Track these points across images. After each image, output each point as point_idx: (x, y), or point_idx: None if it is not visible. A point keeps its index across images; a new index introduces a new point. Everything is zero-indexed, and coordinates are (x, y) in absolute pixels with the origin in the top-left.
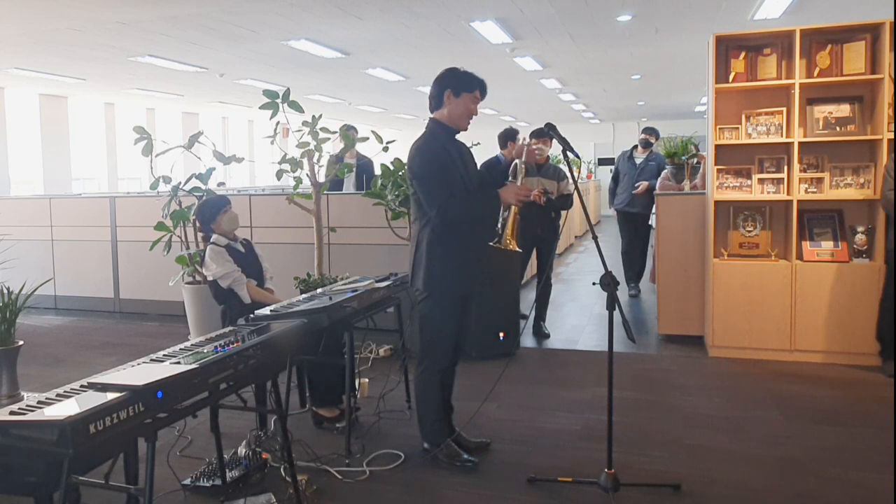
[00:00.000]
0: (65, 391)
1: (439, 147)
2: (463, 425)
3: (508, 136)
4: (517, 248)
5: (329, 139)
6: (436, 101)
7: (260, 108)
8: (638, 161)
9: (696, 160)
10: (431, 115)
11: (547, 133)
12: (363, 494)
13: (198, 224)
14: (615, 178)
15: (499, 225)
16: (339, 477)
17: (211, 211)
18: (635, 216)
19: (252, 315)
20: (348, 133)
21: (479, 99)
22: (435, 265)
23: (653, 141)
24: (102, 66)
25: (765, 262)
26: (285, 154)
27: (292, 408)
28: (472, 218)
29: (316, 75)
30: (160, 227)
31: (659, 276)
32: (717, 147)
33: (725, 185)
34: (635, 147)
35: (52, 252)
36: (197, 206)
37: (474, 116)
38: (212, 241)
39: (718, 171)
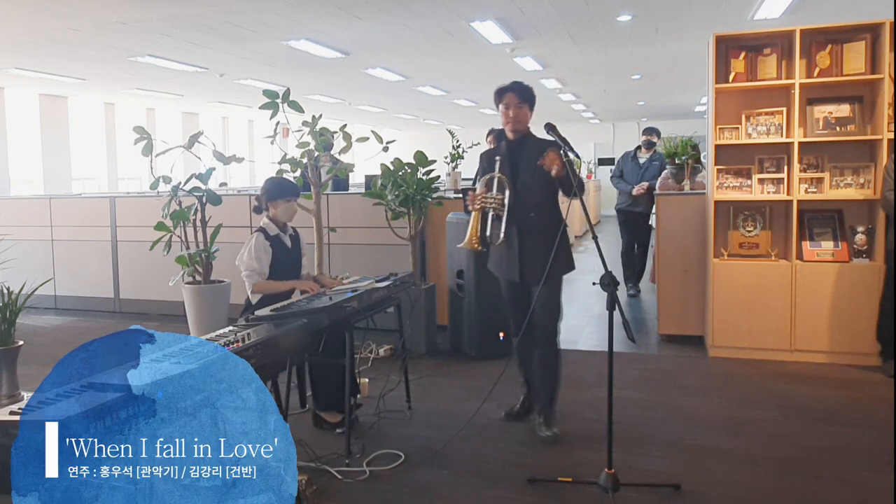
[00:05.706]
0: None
1: None
2: (463, 425)
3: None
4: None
5: (332, 144)
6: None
7: (260, 108)
8: (641, 161)
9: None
10: None
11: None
12: (363, 494)
13: (259, 195)
14: (619, 175)
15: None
16: (339, 477)
17: (279, 191)
18: (637, 216)
19: (252, 315)
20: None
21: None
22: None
23: (655, 140)
24: (102, 66)
25: (765, 262)
26: (285, 154)
27: (292, 408)
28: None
29: (316, 75)
30: (160, 227)
31: (659, 276)
32: (717, 147)
33: (725, 185)
34: (639, 148)
35: (52, 252)
36: (267, 179)
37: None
38: (262, 226)
39: (718, 171)
